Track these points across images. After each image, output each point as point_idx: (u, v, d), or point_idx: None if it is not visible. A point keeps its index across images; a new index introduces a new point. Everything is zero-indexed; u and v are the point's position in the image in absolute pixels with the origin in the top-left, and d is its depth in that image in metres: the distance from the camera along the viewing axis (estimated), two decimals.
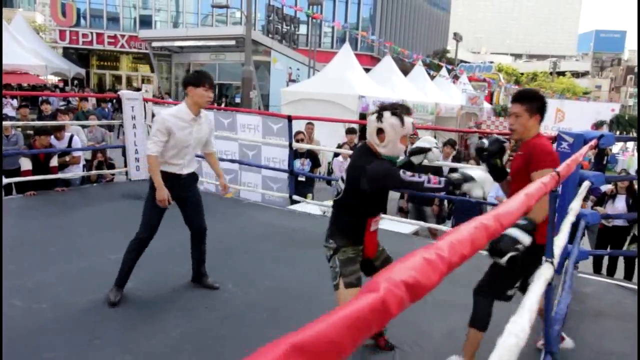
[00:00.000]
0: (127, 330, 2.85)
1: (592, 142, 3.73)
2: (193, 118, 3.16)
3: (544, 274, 1.78)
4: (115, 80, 33.63)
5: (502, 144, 2.59)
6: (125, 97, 6.66)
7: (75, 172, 6.40)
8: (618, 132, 17.93)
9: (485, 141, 2.65)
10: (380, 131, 2.36)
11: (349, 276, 2.45)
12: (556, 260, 1.98)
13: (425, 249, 0.72)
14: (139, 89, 24.17)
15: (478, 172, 2.37)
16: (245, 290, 3.52)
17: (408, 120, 2.37)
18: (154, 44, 26.86)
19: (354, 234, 2.50)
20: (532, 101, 2.48)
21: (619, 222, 5.72)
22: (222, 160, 6.67)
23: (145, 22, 33.15)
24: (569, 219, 2.52)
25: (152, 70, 30.22)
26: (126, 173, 6.95)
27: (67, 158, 6.25)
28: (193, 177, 3.42)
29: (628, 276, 5.46)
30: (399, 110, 2.38)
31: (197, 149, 3.37)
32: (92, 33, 31.43)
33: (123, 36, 31.81)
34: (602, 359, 2.89)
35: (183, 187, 3.30)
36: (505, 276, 2.51)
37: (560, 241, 2.14)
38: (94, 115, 9.89)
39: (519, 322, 1.24)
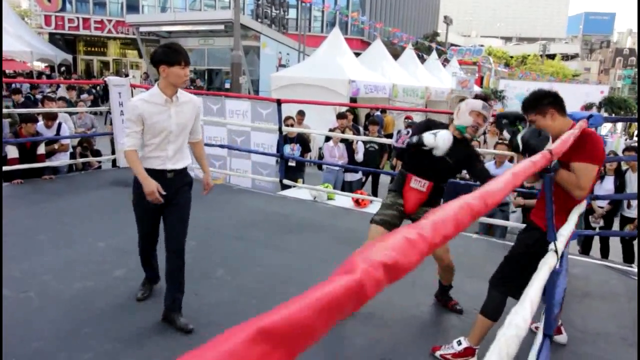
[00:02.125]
0: (116, 318, 2.84)
1: (582, 122, 3.73)
2: (167, 100, 2.71)
3: (548, 262, 1.73)
4: (103, 66, 33.14)
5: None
6: (112, 84, 6.56)
7: (63, 159, 6.32)
8: (611, 113, 18.05)
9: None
10: (458, 108, 3.00)
11: (377, 215, 3.04)
12: (560, 247, 1.96)
13: (408, 227, 0.69)
14: (127, 75, 23.90)
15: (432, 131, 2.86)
16: (235, 276, 3.52)
17: (478, 100, 2.97)
18: (142, 29, 26.41)
19: (397, 183, 3.07)
20: (536, 103, 2.46)
21: (603, 203, 5.78)
22: (211, 145, 6.62)
23: (133, 6, 32.52)
24: (580, 209, 2.48)
25: (141, 56, 29.76)
26: (114, 160, 6.89)
27: (56, 146, 6.18)
28: (183, 176, 2.89)
29: (628, 259, 5.44)
30: (476, 95, 3.07)
31: (183, 137, 2.85)
32: (78, 18, 30.84)
33: (110, 21, 31.26)
34: (588, 339, 2.93)
35: (169, 187, 2.77)
36: (516, 271, 2.49)
37: (566, 230, 2.12)
38: (83, 102, 9.79)
39: (520, 313, 1.22)
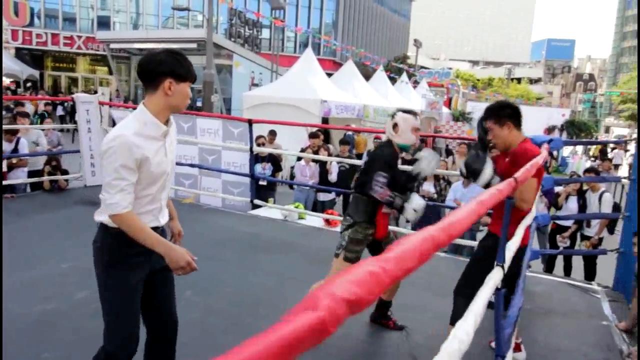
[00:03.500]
0: (77, 342, 2.76)
1: (545, 146, 3.88)
2: (164, 131, 1.95)
3: (493, 278, 1.80)
4: (72, 82, 32.54)
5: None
6: (80, 101, 6.46)
7: (20, 176, 6.14)
8: (572, 136, 18.77)
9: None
10: (395, 125, 2.92)
11: (351, 252, 2.92)
12: (507, 264, 2.04)
13: (372, 260, 0.70)
14: (95, 92, 23.54)
15: (415, 200, 2.80)
16: (205, 297, 3.48)
17: (416, 117, 2.98)
18: (113, 46, 26.15)
19: (366, 214, 2.92)
20: (496, 112, 2.62)
21: (569, 223, 5.97)
22: (181, 165, 6.56)
23: (104, 23, 32.26)
24: (525, 222, 2.59)
25: (111, 72, 29.41)
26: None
27: (14, 160, 6.02)
28: (165, 231, 2.17)
29: (589, 276, 5.58)
30: (409, 111, 3.02)
31: (172, 177, 2.17)
32: (46, 33, 30.31)
33: (80, 37, 30.82)
34: (550, 356, 3.01)
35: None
36: (476, 276, 2.60)
37: (513, 245, 2.21)
38: (50, 118, 9.59)
39: (463, 327, 1.24)
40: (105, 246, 1.95)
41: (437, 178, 6.51)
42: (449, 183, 6.48)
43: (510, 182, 1.75)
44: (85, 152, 6.47)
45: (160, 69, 1.87)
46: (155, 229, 1.98)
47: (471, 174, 2.60)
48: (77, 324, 2.95)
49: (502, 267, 1.96)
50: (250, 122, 5.84)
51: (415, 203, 2.79)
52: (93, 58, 32.37)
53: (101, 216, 1.94)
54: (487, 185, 2.59)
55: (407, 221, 7.15)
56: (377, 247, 3.07)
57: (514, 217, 2.49)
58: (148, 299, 2.08)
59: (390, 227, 5.81)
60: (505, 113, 2.61)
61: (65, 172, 7.02)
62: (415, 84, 23.02)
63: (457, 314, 2.63)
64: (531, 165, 2.27)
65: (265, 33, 31.65)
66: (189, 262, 1.89)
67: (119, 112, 7.55)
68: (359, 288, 0.62)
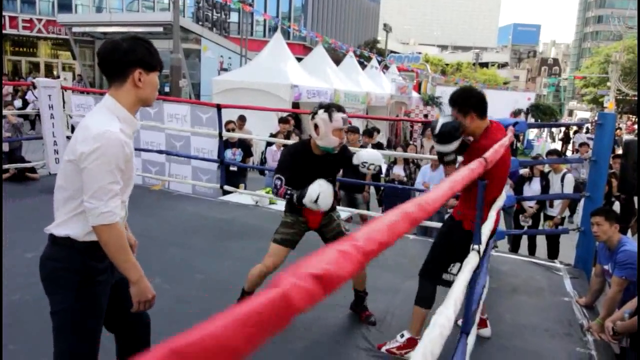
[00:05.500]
0: (45, 333, 2.70)
1: (510, 128, 3.96)
2: (137, 128, 1.84)
3: (470, 262, 1.83)
4: (33, 67, 31.31)
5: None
6: (41, 85, 6.23)
7: None
8: (537, 119, 19.25)
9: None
10: (315, 126, 2.77)
11: (277, 234, 2.96)
12: (483, 247, 2.08)
13: (341, 241, 0.70)
14: (57, 76, 22.73)
15: (314, 188, 2.61)
16: (175, 284, 3.45)
17: (337, 115, 2.74)
18: (75, 30, 25.21)
19: (291, 205, 2.92)
20: (461, 103, 2.57)
21: (532, 203, 6.15)
22: (148, 151, 6.44)
23: (65, 5, 30.98)
24: (498, 204, 2.64)
25: (74, 57, 28.41)
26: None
27: None
28: None
29: (552, 255, 5.77)
30: (330, 108, 2.78)
31: None
32: (3, 16, 29.02)
33: (40, 20, 29.60)
34: (516, 333, 3.12)
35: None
36: (436, 258, 2.70)
37: (486, 229, 2.25)
38: (12, 105, 9.22)
39: (444, 313, 1.27)
40: (74, 266, 1.72)
41: (406, 162, 6.59)
42: (418, 167, 6.57)
43: (480, 161, 1.76)
44: (48, 139, 6.25)
45: (128, 59, 1.69)
46: None
47: (442, 137, 2.50)
48: (43, 315, 2.88)
49: (479, 250, 1.99)
50: (219, 107, 5.76)
51: (310, 196, 2.59)
52: (55, 42, 31.21)
53: (66, 229, 1.71)
54: (443, 156, 2.59)
55: (379, 205, 7.24)
56: (323, 239, 3.01)
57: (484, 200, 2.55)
58: (117, 309, 1.91)
59: (361, 212, 5.90)
60: (470, 103, 2.55)
61: (22, 160, 6.73)
62: (385, 68, 23.10)
63: (422, 295, 2.70)
64: (499, 146, 2.31)
65: (234, 17, 31.07)
66: (154, 296, 1.77)
67: (78, 97, 7.31)
68: (327, 264, 0.61)
